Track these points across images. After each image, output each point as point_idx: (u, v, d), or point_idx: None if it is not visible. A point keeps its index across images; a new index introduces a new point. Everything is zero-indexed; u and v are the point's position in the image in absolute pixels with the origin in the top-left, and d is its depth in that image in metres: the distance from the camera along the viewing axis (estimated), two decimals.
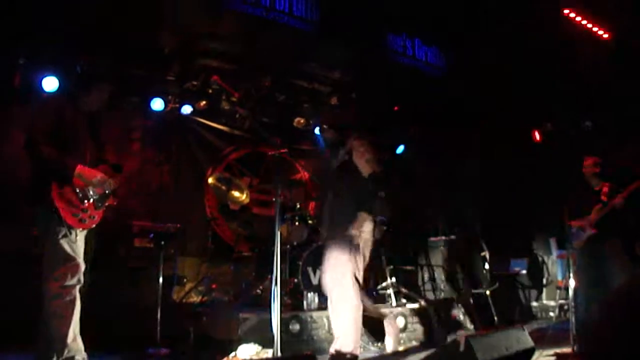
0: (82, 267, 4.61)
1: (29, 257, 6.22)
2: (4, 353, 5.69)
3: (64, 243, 4.52)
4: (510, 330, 4.84)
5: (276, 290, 4.63)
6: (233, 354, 5.49)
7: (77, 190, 4.64)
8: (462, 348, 4.14)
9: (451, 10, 9.23)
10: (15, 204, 6.74)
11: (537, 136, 11.03)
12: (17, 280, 6.40)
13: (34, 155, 4.59)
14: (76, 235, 4.62)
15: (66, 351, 4.43)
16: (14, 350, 5.54)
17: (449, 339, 7.32)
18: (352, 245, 5.62)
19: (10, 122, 7.72)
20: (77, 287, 4.56)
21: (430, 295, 9.54)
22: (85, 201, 4.69)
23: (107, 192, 4.89)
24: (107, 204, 4.94)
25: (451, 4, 9.13)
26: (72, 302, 4.52)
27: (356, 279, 5.61)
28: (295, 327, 6.47)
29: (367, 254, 5.85)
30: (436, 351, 4.58)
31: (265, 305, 7.45)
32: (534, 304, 10.20)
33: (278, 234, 4.76)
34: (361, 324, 5.60)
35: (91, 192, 4.73)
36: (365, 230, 5.70)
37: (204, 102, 9.32)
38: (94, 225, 4.83)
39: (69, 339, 4.46)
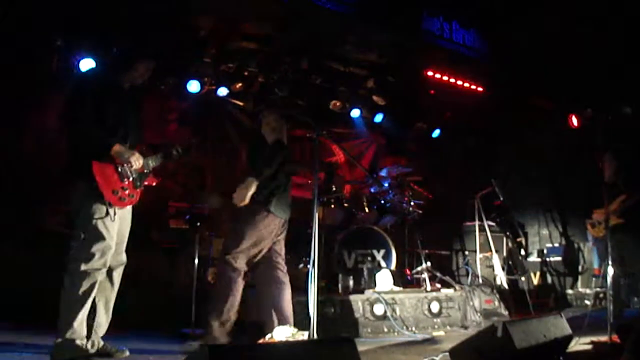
0: (112, 249, 4.57)
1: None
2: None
3: (98, 222, 4.47)
4: (547, 317, 4.79)
5: (313, 273, 4.58)
6: (269, 335, 5.48)
7: (118, 168, 4.61)
8: (499, 334, 4.11)
9: None
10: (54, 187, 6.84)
11: (575, 121, 10.87)
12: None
13: (73, 131, 4.59)
14: (114, 214, 4.57)
15: (69, 332, 4.38)
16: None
17: (484, 324, 7.27)
18: (239, 211, 5.52)
19: (48, 105, 7.80)
20: (102, 271, 4.53)
21: (464, 281, 9.47)
22: (126, 179, 4.65)
23: (146, 171, 4.88)
24: (146, 183, 4.93)
25: None
26: (92, 287, 4.47)
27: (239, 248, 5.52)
28: (330, 310, 6.47)
29: (272, 226, 5.71)
30: (473, 337, 4.52)
31: (299, 287, 7.50)
32: (569, 291, 10.08)
33: (316, 216, 4.70)
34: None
35: (131, 170, 4.70)
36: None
37: (239, 85, 9.31)
38: (131, 205, 4.83)
39: (76, 323, 4.40)
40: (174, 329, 6.32)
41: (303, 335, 5.34)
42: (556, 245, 10.99)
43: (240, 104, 9.85)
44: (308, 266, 6.89)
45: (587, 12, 8.99)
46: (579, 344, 5.47)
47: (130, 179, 4.70)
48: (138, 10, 7.46)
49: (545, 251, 10.90)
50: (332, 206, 8.38)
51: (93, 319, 4.65)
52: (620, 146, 8.21)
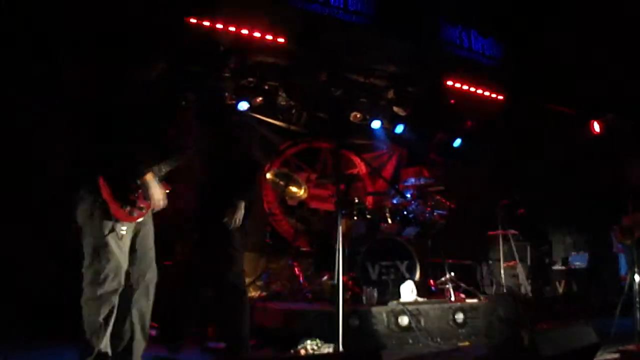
0: (125, 267, 4.25)
1: None
2: None
3: (108, 241, 4.14)
4: (574, 326, 4.75)
5: (338, 285, 4.56)
6: (296, 348, 5.50)
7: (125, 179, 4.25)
8: (526, 343, 4.08)
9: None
10: None
11: (597, 127, 10.82)
12: None
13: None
14: (124, 230, 4.23)
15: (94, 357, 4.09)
16: None
17: (509, 334, 7.22)
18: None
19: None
20: (118, 292, 4.20)
21: (489, 290, 9.42)
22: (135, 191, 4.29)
23: (158, 177, 4.43)
24: None
25: None
26: (112, 309, 4.18)
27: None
28: (355, 322, 6.44)
29: None
30: (499, 346, 4.51)
31: (323, 299, 7.51)
32: (595, 299, 9.98)
33: (340, 228, 4.68)
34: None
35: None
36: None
37: (260, 99, 9.36)
38: (142, 218, 4.41)
39: (102, 346, 4.13)
40: (199, 342, 6.34)
41: (329, 348, 5.34)
42: (581, 253, 10.89)
43: (265, 118, 9.91)
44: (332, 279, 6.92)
45: (606, 15, 8.97)
46: (607, 353, 5.43)
47: (140, 190, 4.31)
48: (158, 25, 7.53)
49: (570, 259, 10.81)
50: (355, 218, 8.38)
51: (132, 339, 4.42)
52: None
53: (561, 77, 9.56)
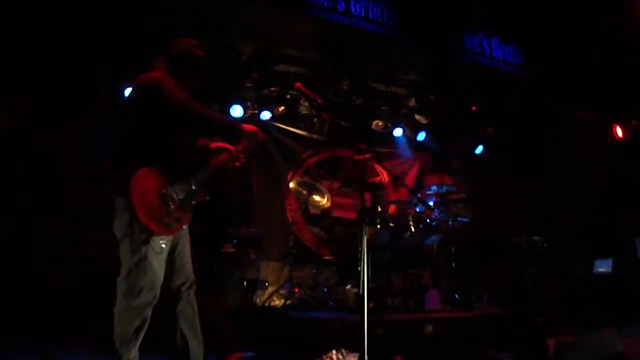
0: (161, 280, 4.19)
1: None
2: None
3: (145, 255, 4.07)
4: (600, 334, 4.73)
5: (363, 294, 4.53)
6: (321, 356, 5.49)
7: (163, 190, 4.15)
8: (551, 351, 4.07)
9: (528, 7, 9.08)
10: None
11: (620, 132, 10.73)
12: None
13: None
14: (161, 243, 4.15)
15: None
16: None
17: (534, 342, 7.18)
18: None
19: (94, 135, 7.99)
20: (152, 304, 4.13)
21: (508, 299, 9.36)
22: (171, 202, 4.17)
23: (193, 188, 4.36)
24: (196, 201, 4.43)
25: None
26: (145, 322, 4.13)
27: None
28: (379, 331, 6.43)
29: None
30: (525, 354, 4.49)
31: (347, 308, 7.51)
32: (620, 305, 9.88)
33: (365, 238, 4.65)
34: None
35: (176, 191, 4.23)
36: None
37: (282, 108, 9.41)
38: (183, 228, 4.37)
39: (131, 356, 4.08)
40: (223, 352, 6.36)
41: (354, 357, 5.34)
42: (605, 259, 10.77)
43: (287, 127, 9.96)
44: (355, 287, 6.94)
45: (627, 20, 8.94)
46: None
47: (177, 200, 4.22)
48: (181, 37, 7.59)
49: (594, 265, 10.69)
50: (378, 226, 8.37)
51: (186, 347, 4.40)
52: None
53: (584, 81, 9.51)
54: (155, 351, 4.45)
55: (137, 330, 4.10)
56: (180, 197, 4.26)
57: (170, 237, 4.27)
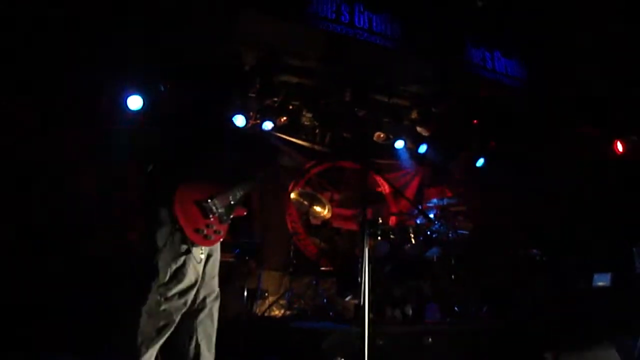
0: (195, 289, 4.34)
1: None
2: None
3: (183, 263, 4.25)
4: (598, 348, 4.74)
5: (364, 305, 4.56)
6: None
7: (202, 203, 4.38)
8: None
9: (531, 21, 9.12)
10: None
11: (620, 147, 10.75)
12: None
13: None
14: (200, 254, 4.35)
15: None
16: None
17: (529, 356, 7.19)
18: None
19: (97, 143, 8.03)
20: (181, 311, 4.27)
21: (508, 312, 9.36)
22: (211, 215, 4.39)
23: (233, 202, 4.60)
24: (233, 215, 4.63)
25: (530, 15, 9.03)
26: (169, 326, 4.22)
27: None
28: (379, 342, 6.42)
29: None
30: None
31: (346, 319, 7.50)
32: (619, 319, 9.88)
33: (366, 249, 4.69)
34: None
35: (216, 205, 4.45)
36: None
37: (284, 118, 9.43)
38: (220, 240, 4.55)
39: (147, 356, 4.14)
40: None
41: None
42: (604, 273, 10.78)
43: (289, 138, 9.97)
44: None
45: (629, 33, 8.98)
46: None
47: (216, 214, 4.44)
48: (183, 45, 7.63)
49: (593, 279, 10.70)
50: (379, 238, 8.38)
51: (198, 357, 4.47)
52: None
53: (585, 96, 9.55)
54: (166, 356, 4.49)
55: (160, 332, 4.20)
56: (220, 210, 4.47)
57: (208, 248, 4.46)
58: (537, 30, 9.37)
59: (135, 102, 7.88)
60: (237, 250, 7.33)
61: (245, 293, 6.58)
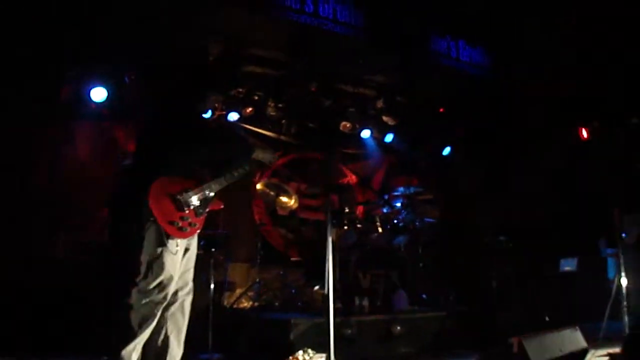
0: (174, 282, 4.37)
1: None
2: None
3: (164, 254, 4.26)
4: (563, 331, 4.79)
5: (329, 295, 4.58)
6: (288, 358, 5.49)
7: (177, 196, 4.37)
8: (515, 349, 4.11)
9: (495, 9, 9.17)
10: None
11: (585, 134, 10.89)
12: None
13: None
14: (175, 246, 4.34)
15: None
16: None
17: (496, 341, 7.27)
18: None
19: (59, 136, 7.92)
20: (162, 305, 4.32)
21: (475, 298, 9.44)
22: (186, 208, 4.40)
23: (211, 194, 4.64)
24: (210, 209, 4.67)
25: (497, 3, 9.08)
26: (151, 320, 4.25)
27: None
28: (347, 331, 6.44)
29: None
30: (489, 353, 4.54)
31: (315, 309, 7.51)
32: (584, 303, 10.03)
33: (330, 239, 4.70)
34: None
35: (191, 197, 4.45)
36: None
37: (250, 109, 9.36)
38: (195, 233, 4.62)
39: (125, 353, 4.16)
40: (192, 354, 6.31)
41: (321, 358, 5.35)
42: (570, 258, 10.92)
43: (255, 129, 9.90)
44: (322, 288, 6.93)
45: (593, 25, 9.07)
46: (595, 357, 5.48)
47: (191, 206, 4.45)
48: (147, 36, 7.54)
49: (560, 264, 10.83)
50: (346, 227, 8.39)
51: (166, 350, 4.48)
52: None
53: (550, 84, 9.63)
54: None
55: (141, 326, 4.22)
56: (195, 203, 4.48)
57: (184, 241, 4.49)
58: (501, 18, 9.41)
59: (99, 94, 7.76)
60: (203, 242, 7.25)
61: (213, 285, 6.52)
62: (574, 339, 4.74)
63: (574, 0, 8.96)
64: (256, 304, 8.24)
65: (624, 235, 7.98)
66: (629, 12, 8.64)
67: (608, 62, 9.33)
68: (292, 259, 9.25)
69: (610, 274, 9.78)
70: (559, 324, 5.01)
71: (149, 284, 4.24)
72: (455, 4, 9.12)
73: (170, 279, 4.33)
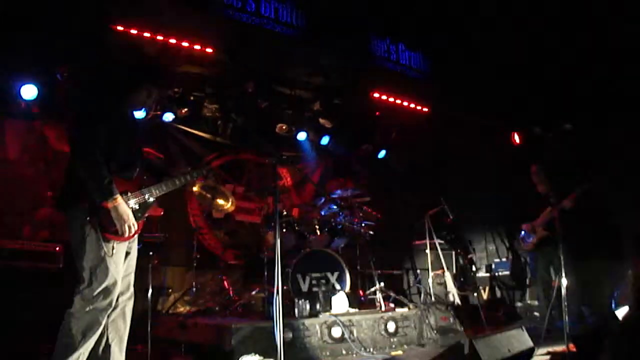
0: (117, 287, 4.25)
1: None
2: None
3: (99, 260, 4.14)
4: (510, 331, 4.87)
5: (277, 299, 4.54)
6: None
7: None
8: (466, 350, 4.13)
9: (435, 14, 9.27)
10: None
11: (517, 139, 11.13)
12: None
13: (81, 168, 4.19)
14: (112, 250, 4.21)
15: None
16: None
17: (441, 341, 7.33)
18: None
19: None
20: (107, 311, 4.20)
21: (417, 299, 9.51)
22: None
23: (151, 200, 4.57)
24: (148, 214, 4.62)
25: (435, 8, 9.17)
26: (96, 328, 4.14)
27: None
28: (288, 335, 6.36)
29: None
30: (439, 355, 4.56)
31: (254, 313, 7.42)
32: (518, 304, 10.26)
33: (278, 241, 4.66)
34: None
35: (130, 201, 4.35)
36: None
37: (185, 110, 9.18)
38: (134, 237, 4.50)
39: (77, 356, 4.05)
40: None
41: None
42: (503, 260, 11.16)
43: (190, 130, 9.72)
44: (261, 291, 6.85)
45: (529, 32, 9.26)
46: (537, 356, 5.58)
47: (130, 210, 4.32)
48: (80, 31, 7.32)
49: (493, 266, 11.04)
50: (284, 230, 8.33)
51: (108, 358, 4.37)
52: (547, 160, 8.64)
53: (485, 90, 9.80)
54: None
55: (85, 334, 4.09)
56: (134, 207, 4.39)
57: (124, 245, 4.38)
58: (440, 22, 9.52)
59: (29, 92, 7.48)
60: (140, 245, 7.07)
61: (150, 290, 6.35)
62: (521, 339, 4.83)
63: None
64: (193, 308, 8.11)
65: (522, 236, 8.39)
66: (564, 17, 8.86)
67: (543, 66, 9.56)
68: (229, 262, 9.14)
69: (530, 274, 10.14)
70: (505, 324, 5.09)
71: (94, 290, 4.13)
72: (396, 7, 9.18)
73: (115, 284, 4.23)
